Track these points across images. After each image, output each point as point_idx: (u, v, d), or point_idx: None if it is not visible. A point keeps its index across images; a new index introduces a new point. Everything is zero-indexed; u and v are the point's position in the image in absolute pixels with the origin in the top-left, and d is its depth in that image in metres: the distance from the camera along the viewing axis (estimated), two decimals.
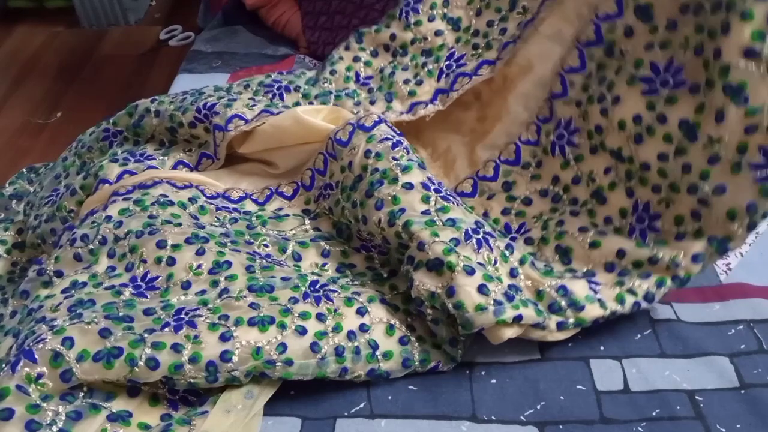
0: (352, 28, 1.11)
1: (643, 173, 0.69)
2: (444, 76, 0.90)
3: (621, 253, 0.69)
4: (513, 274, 0.67)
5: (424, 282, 0.64)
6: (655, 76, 0.67)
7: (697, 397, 0.63)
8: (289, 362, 0.61)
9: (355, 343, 0.64)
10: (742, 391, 0.64)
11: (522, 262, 0.69)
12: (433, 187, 0.71)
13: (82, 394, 0.58)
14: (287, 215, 0.80)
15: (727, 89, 0.61)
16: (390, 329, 0.66)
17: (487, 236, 0.68)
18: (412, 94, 0.91)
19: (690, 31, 0.65)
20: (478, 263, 0.65)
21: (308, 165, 0.83)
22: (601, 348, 0.68)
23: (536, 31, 0.81)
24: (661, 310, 0.72)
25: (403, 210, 0.69)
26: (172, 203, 0.76)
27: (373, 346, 0.64)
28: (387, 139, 0.76)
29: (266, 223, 0.79)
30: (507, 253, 0.69)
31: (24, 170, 1.12)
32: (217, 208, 0.79)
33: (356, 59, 0.98)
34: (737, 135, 0.61)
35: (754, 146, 0.61)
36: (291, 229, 0.78)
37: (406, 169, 0.72)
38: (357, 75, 0.96)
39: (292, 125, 0.82)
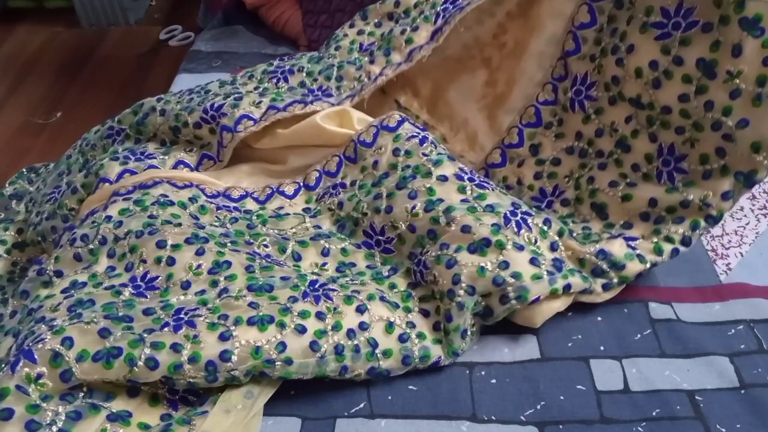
0: None
1: (664, 117, 0.70)
2: (440, 18, 0.89)
3: (653, 202, 0.71)
4: (553, 247, 0.70)
5: (472, 260, 0.66)
6: (666, 21, 0.68)
7: (697, 397, 0.63)
8: (288, 361, 0.61)
9: (355, 342, 0.63)
10: (742, 391, 0.64)
11: (560, 233, 0.72)
12: (466, 177, 0.73)
13: (82, 394, 0.58)
14: (288, 214, 0.80)
15: (744, 22, 0.62)
16: (389, 327, 0.66)
17: (525, 216, 0.70)
18: (409, 41, 0.89)
19: None
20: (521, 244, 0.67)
21: (316, 166, 0.83)
22: (601, 348, 0.68)
23: None
24: (661, 310, 0.72)
25: (441, 199, 0.71)
26: (172, 203, 0.76)
27: (373, 344, 0.64)
28: (413, 136, 0.78)
29: (266, 222, 0.78)
30: (545, 228, 0.71)
31: (24, 170, 1.12)
32: (218, 208, 0.79)
33: (360, 32, 0.97)
34: (756, 67, 0.63)
35: None
36: (291, 228, 0.78)
37: (437, 163, 0.74)
38: (360, 45, 0.96)
39: (312, 133, 0.83)
